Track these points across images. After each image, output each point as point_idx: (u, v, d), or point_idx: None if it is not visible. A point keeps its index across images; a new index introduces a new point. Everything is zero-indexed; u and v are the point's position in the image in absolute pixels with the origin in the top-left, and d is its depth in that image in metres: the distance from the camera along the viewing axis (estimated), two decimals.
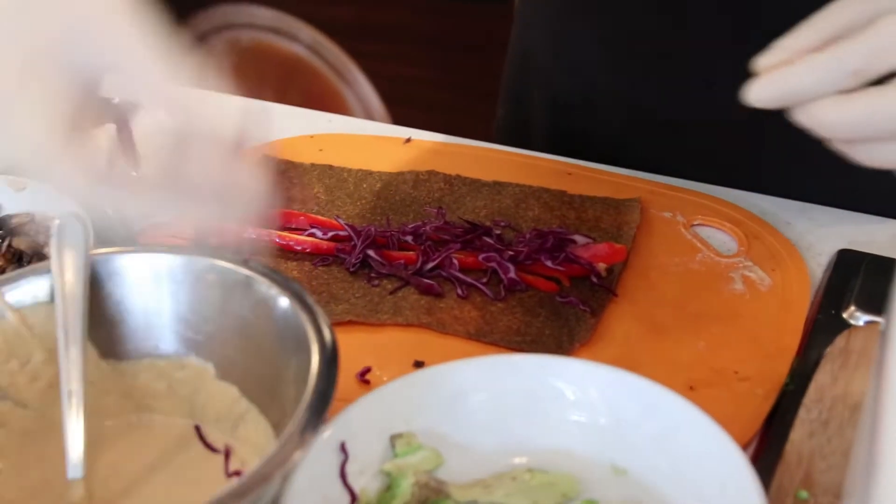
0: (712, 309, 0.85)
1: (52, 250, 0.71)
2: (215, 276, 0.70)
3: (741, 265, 0.89)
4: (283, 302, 0.67)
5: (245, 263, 0.70)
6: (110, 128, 1.11)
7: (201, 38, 2.61)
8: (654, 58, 1.03)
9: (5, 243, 0.90)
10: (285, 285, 0.68)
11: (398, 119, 2.52)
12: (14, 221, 0.90)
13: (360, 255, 0.90)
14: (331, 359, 0.63)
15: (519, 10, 1.19)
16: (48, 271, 0.71)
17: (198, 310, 0.71)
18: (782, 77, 0.68)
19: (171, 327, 0.72)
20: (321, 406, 0.60)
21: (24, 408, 0.71)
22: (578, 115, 1.10)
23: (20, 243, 0.89)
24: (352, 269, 0.90)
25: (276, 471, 0.57)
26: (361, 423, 0.69)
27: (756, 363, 0.79)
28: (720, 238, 0.93)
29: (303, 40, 2.59)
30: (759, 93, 0.69)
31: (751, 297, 0.86)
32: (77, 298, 0.70)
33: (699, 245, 0.92)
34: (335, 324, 0.84)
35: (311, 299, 0.67)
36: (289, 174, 1.03)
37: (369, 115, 2.59)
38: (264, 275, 0.69)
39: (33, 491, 0.69)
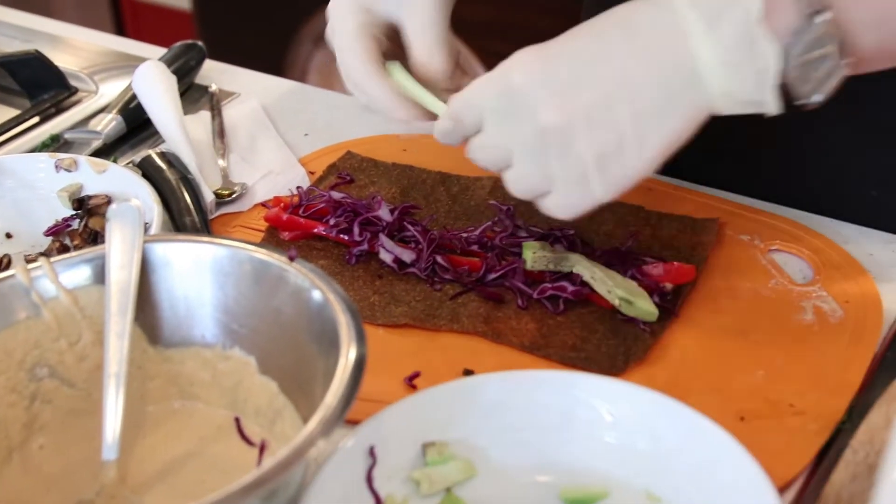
0: (777, 338, 0.83)
1: (106, 235, 0.73)
2: (259, 270, 0.71)
3: (814, 295, 0.86)
4: (321, 300, 0.68)
5: (290, 260, 0.70)
6: (204, 114, 1.13)
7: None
8: None
9: (82, 223, 0.92)
10: (324, 283, 0.68)
11: None
12: (92, 202, 0.92)
13: (430, 262, 0.90)
14: (358, 363, 0.63)
15: None
16: (102, 255, 0.72)
17: (243, 302, 0.72)
18: None
19: (217, 318, 0.73)
20: (341, 408, 0.60)
21: (71, 387, 0.73)
22: None
23: (96, 223, 0.91)
24: (423, 276, 0.89)
25: (278, 476, 0.57)
26: (394, 428, 0.69)
27: (813, 397, 0.77)
28: (796, 265, 0.91)
29: None
30: None
31: (819, 328, 0.83)
32: (126, 283, 0.71)
33: (773, 271, 0.89)
34: (391, 326, 0.84)
35: (348, 298, 0.67)
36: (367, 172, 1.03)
37: None
38: (305, 272, 0.69)
39: (72, 468, 0.71)
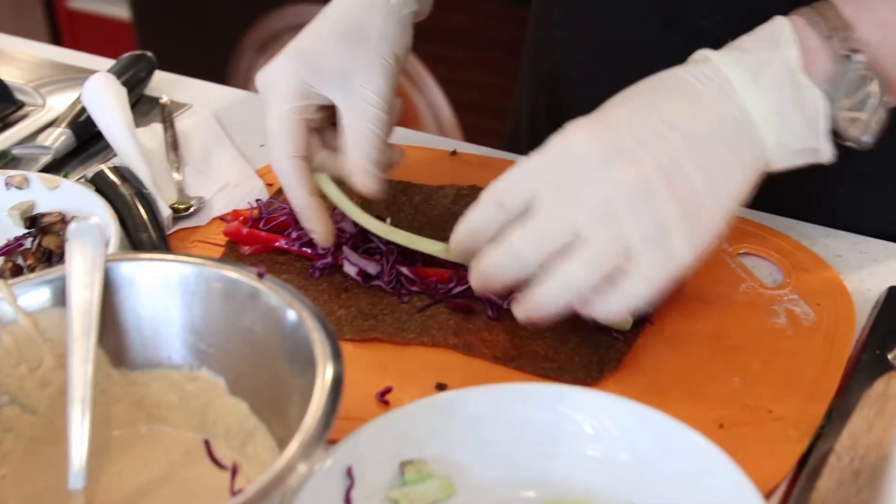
0: (751, 343, 0.82)
1: (66, 255, 0.70)
2: (228, 288, 0.69)
3: (786, 298, 0.86)
4: (294, 318, 0.66)
5: (259, 277, 0.68)
6: (156, 126, 1.10)
7: (273, 37, 2.62)
8: None
9: (36, 242, 0.89)
10: (297, 301, 0.66)
11: (467, 126, 2.50)
12: (45, 220, 0.89)
13: (394, 274, 0.88)
14: (335, 383, 0.61)
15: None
16: (62, 276, 0.70)
17: (210, 321, 0.70)
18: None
19: (184, 337, 0.71)
20: (321, 430, 0.58)
21: (33, 414, 0.70)
22: None
23: (50, 242, 0.88)
24: (388, 289, 0.88)
25: (265, 499, 0.55)
26: (371, 447, 0.67)
27: (791, 402, 0.76)
28: (766, 268, 0.90)
29: None
30: None
31: (793, 332, 0.83)
32: (89, 304, 0.68)
33: (743, 275, 0.88)
34: (360, 340, 0.83)
35: (321, 316, 0.65)
36: None
37: (438, 121, 2.57)
38: (276, 289, 0.67)
39: (37, 499, 0.68)
